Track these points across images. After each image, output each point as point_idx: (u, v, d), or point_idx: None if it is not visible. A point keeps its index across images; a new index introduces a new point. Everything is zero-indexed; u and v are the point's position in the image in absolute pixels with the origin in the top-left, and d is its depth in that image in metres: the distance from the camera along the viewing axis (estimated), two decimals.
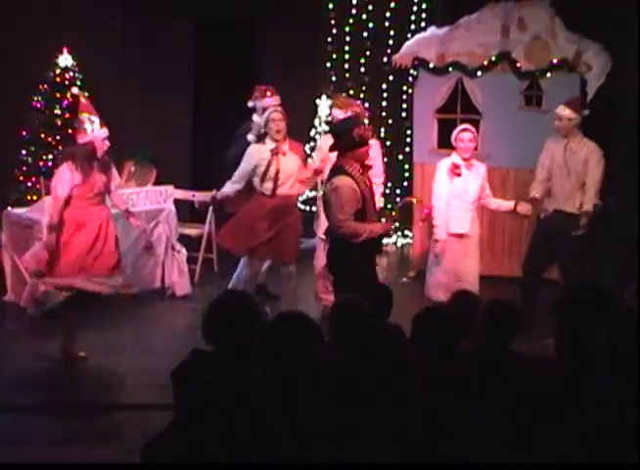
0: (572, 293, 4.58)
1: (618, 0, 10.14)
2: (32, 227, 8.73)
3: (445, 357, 4.51)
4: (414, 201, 8.76)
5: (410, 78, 11.02)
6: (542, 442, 4.01)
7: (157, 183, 10.24)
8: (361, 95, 12.03)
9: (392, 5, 11.96)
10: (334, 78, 12.07)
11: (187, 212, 10.81)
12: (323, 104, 11.67)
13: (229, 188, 8.30)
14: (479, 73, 10.34)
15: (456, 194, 8.13)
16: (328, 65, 12.09)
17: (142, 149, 10.54)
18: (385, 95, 12.15)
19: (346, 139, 6.72)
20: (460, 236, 8.12)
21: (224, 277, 9.08)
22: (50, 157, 10.47)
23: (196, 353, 4.36)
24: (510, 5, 10.39)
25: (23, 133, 10.58)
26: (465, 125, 8.43)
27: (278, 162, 8.16)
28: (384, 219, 7.53)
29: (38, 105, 10.53)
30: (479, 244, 8.29)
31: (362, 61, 12.09)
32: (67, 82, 10.53)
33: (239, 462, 4.02)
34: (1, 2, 10.97)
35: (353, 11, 11.98)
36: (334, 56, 12.10)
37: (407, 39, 11.04)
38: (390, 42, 11.85)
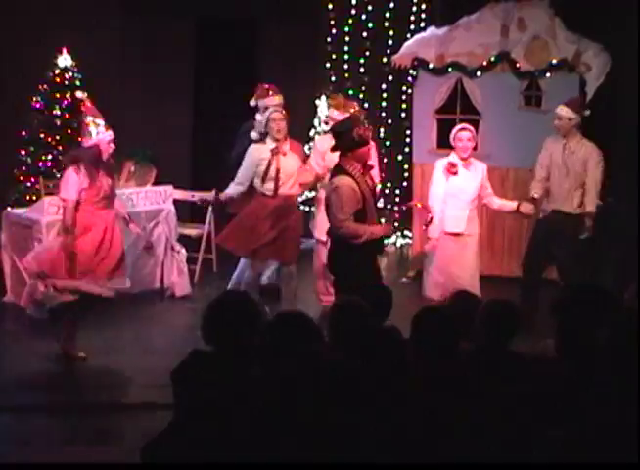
0: (572, 293, 4.58)
1: (618, 0, 10.14)
2: (32, 227, 8.72)
3: (445, 357, 4.51)
4: (418, 205, 8.71)
5: (410, 79, 11.02)
6: (542, 442, 4.01)
7: (156, 183, 10.25)
8: (361, 95, 12.03)
9: (392, 5, 11.96)
10: (333, 78, 12.08)
11: (187, 213, 10.82)
12: (323, 104, 11.67)
13: (233, 190, 8.28)
14: (478, 74, 10.34)
15: (453, 193, 8.12)
16: (327, 65, 12.09)
17: (142, 149, 10.53)
18: (384, 95, 12.15)
19: (347, 139, 6.74)
20: (456, 235, 8.10)
21: (224, 277, 9.08)
22: (50, 157, 10.47)
23: (196, 354, 4.36)
24: (510, 5, 10.40)
25: (23, 133, 10.58)
26: (463, 125, 8.43)
27: (278, 161, 8.16)
28: (383, 220, 7.52)
29: (38, 105, 10.53)
30: (478, 244, 8.27)
31: (362, 61, 12.09)
32: (66, 82, 10.54)
33: (239, 462, 4.02)
34: (1, 2, 10.96)
35: (353, 11, 11.99)
36: (333, 56, 12.10)
37: (407, 39, 11.05)
38: (390, 42, 11.85)
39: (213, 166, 11.49)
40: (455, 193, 8.11)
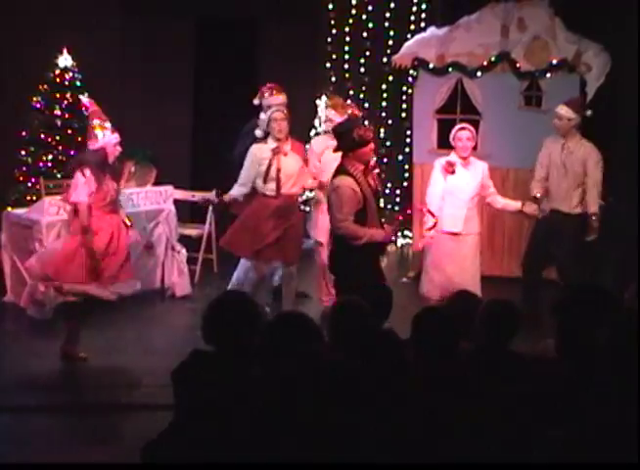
0: (572, 293, 4.58)
1: (618, 0, 10.15)
2: (32, 228, 8.72)
3: (445, 357, 4.51)
4: (423, 209, 8.65)
5: (410, 79, 11.02)
6: (542, 442, 4.01)
7: (156, 183, 10.25)
8: (361, 95, 12.04)
9: (392, 5, 11.96)
10: (334, 79, 12.08)
11: (187, 213, 10.82)
12: (323, 104, 11.67)
13: (236, 191, 8.26)
14: (478, 74, 10.35)
15: (450, 192, 8.10)
16: (328, 65, 12.09)
17: (142, 149, 10.53)
18: (384, 95, 12.15)
19: (347, 140, 6.76)
20: (454, 235, 8.09)
21: (224, 278, 9.08)
22: (50, 157, 10.47)
23: (196, 354, 4.36)
24: (510, 5, 10.40)
25: (23, 133, 10.58)
26: (463, 124, 8.42)
27: (279, 161, 8.15)
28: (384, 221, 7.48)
29: (38, 105, 10.53)
30: (477, 244, 8.25)
31: (362, 61, 12.09)
32: (67, 83, 10.54)
33: (239, 462, 4.02)
34: (1, 2, 10.96)
35: (353, 11, 11.98)
36: (334, 56, 12.10)
37: (407, 39, 11.04)
38: (390, 42, 11.85)
39: (213, 166, 11.49)
40: (453, 192, 8.10)
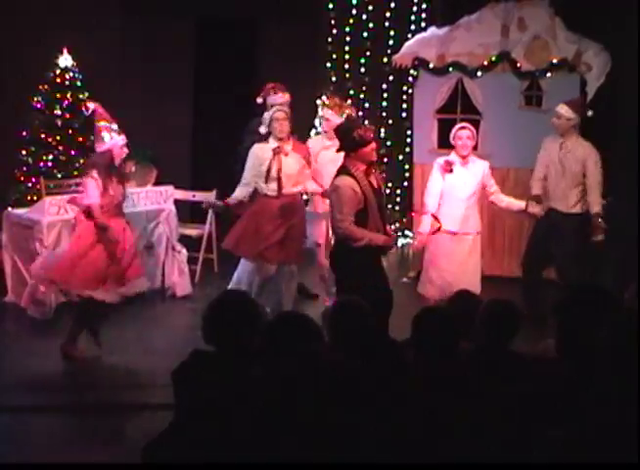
0: (572, 293, 4.58)
1: (618, 0, 10.15)
2: (33, 228, 8.73)
3: (445, 357, 4.51)
4: (428, 214, 8.61)
5: (410, 79, 11.02)
6: (542, 442, 4.01)
7: (157, 183, 10.25)
8: (361, 95, 12.04)
9: (392, 5, 11.96)
10: (334, 79, 12.08)
11: (187, 213, 10.82)
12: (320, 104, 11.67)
13: (240, 192, 8.23)
14: (479, 74, 10.35)
15: (448, 191, 8.10)
16: (328, 65, 12.09)
17: (142, 149, 10.54)
18: (385, 95, 12.15)
19: (348, 140, 6.77)
20: (452, 234, 8.09)
21: (224, 277, 9.07)
22: (50, 157, 10.48)
23: (196, 354, 4.37)
24: (510, 5, 10.40)
25: (24, 133, 10.58)
26: (463, 124, 8.42)
27: (280, 161, 8.14)
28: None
29: (38, 105, 10.53)
30: (477, 243, 8.25)
31: (362, 61, 12.09)
32: (67, 83, 10.54)
33: (239, 462, 4.02)
34: (1, 2, 10.96)
35: (353, 11, 11.99)
36: (334, 56, 12.10)
37: (407, 39, 11.05)
38: (391, 42, 11.86)
39: (213, 166, 11.50)
40: (450, 191, 8.10)
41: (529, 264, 8.50)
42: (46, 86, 10.52)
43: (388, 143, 12.07)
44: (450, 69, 10.43)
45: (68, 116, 10.51)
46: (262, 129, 8.39)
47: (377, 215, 6.79)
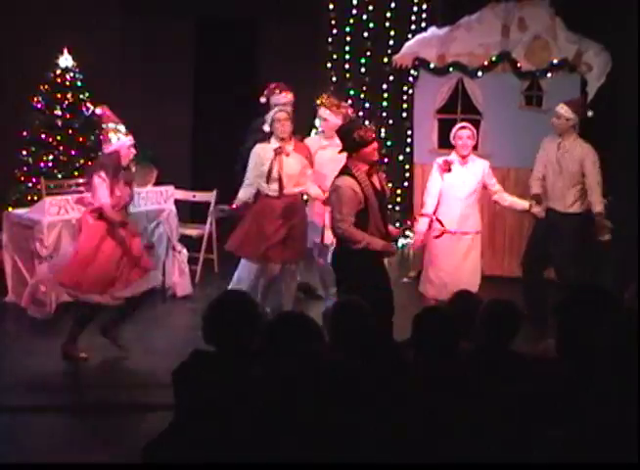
0: (572, 293, 4.58)
1: (619, 0, 10.14)
2: (33, 228, 8.73)
3: (445, 357, 4.51)
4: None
5: (410, 79, 11.02)
6: (542, 442, 4.01)
7: (157, 183, 10.24)
8: (362, 95, 12.04)
9: (393, 5, 11.96)
10: (334, 79, 12.07)
11: (187, 213, 10.82)
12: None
13: (245, 193, 8.21)
14: (479, 74, 10.35)
15: (446, 190, 8.11)
16: (328, 65, 12.09)
17: (142, 149, 10.52)
18: (385, 95, 12.15)
19: (349, 141, 6.79)
20: (451, 234, 8.09)
21: (225, 278, 9.08)
22: (51, 157, 10.47)
23: (196, 354, 4.37)
24: (510, 5, 10.40)
25: (24, 134, 10.58)
26: (463, 123, 8.43)
27: (281, 162, 8.14)
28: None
29: (39, 105, 10.53)
30: (476, 242, 8.25)
31: (363, 61, 12.09)
32: (67, 83, 10.54)
33: (239, 462, 4.02)
34: (1, 2, 10.96)
35: (354, 11, 11.98)
36: (334, 56, 12.10)
37: (408, 39, 11.05)
38: (391, 42, 11.85)
39: (214, 166, 11.50)
40: (449, 190, 8.11)
41: (529, 264, 8.50)
42: (46, 86, 10.52)
43: (389, 143, 12.07)
44: (451, 69, 10.43)
45: (68, 116, 10.51)
46: (266, 127, 8.40)
47: (378, 216, 6.79)
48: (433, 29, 10.79)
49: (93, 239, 7.43)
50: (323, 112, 8.71)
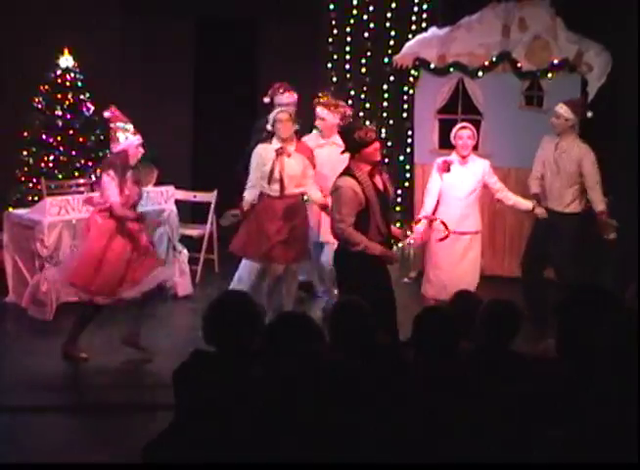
0: (573, 293, 4.58)
1: (619, 0, 10.14)
2: (33, 228, 8.73)
3: (445, 357, 4.51)
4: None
5: (411, 79, 11.02)
6: (542, 442, 4.01)
7: (157, 184, 10.24)
8: (362, 95, 12.03)
9: (393, 5, 11.95)
10: (334, 79, 12.07)
11: (188, 213, 10.82)
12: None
13: (250, 195, 8.20)
14: (479, 74, 10.34)
15: (445, 190, 8.12)
16: (328, 65, 12.08)
17: (149, 148, 10.52)
18: (385, 95, 12.13)
19: (350, 142, 6.80)
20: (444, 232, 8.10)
21: (225, 278, 9.08)
22: (51, 158, 10.47)
23: (196, 354, 4.37)
24: (511, 5, 10.40)
25: (24, 134, 10.58)
26: (463, 123, 8.43)
27: (282, 162, 8.13)
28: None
29: (39, 105, 10.53)
30: (475, 242, 8.25)
31: (363, 61, 12.07)
32: (68, 83, 10.54)
33: (239, 462, 4.02)
34: (1, 2, 10.96)
35: (354, 11, 11.97)
36: (334, 56, 12.09)
37: (408, 40, 11.04)
38: (391, 43, 11.84)
39: (214, 166, 11.49)
40: (449, 190, 8.12)
41: (528, 264, 8.51)
42: (47, 87, 10.52)
43: (389, 143, 12.06)
44: (451, 69, 10.43)
45: (68, 116, 10.51)
46: (269, 127, 8.40)
47: (379, 217, 6.77)
48: (433, 30, 10.79)
49: (102, 238, 7.44)
50: (321, 111, 8.71)
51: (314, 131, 9.02)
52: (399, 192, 12.13)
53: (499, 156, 9.88)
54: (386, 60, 11.78)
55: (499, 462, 4.12)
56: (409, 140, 11.85)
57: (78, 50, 10.53)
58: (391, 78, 11.98)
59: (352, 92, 11.90)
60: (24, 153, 10.54)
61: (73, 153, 10.52)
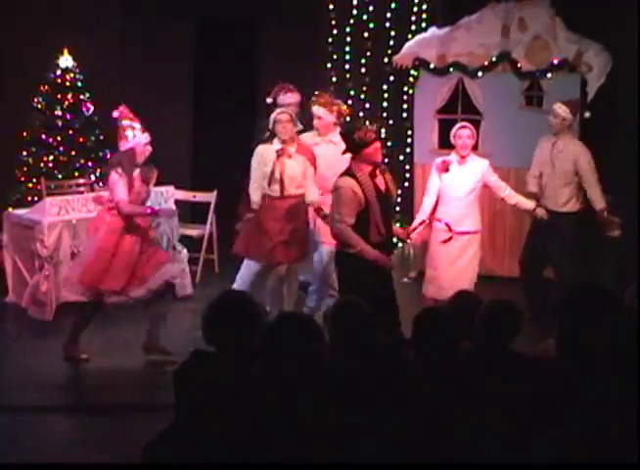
0: (573, 293, 4.58)
1: (619, 0, 10.14)
2: (33, 228, 8.73)
3: (445, 357, 4.51)
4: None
5: (411, 79, 11.02)
6: (542, 442, 4.01)
7: (157, 184, 10.23)
8: (362, 96, 12.02)
9: (393, 5, 11.94)
10: (334, 79, 12.06)
11: (188, 213, 10.81)
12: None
13: (256, 195, 8.19)
14: (479, 74, 10.34)
15: (444, 190, 8.14)
16: (328, 65, 12.07)
17: None
18: (385, 95, 12.12)
19: (350, 142, 6.80)
20: (448, 232, 8.10)
21: (225, 278, 9.08)
22: (51, 158, 10.47)
23: (197, 354, 4.37)
24: (510, 5, 10.40)
25: (24, 134, 10.58)
26: (463, 123, 8.45)
27: (282, 163, 8.12)
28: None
29: (39, 105, 10.53)
30: (474, 242, 8.25)
31: (363, 61, 12.06)
32: (68, 83, 10.54)
33: (239, 462, 4.02)
34: (1, 2, 10.96)
35: (354, 11, 11.96)
36: (334, 56, 12.08)
37: (408, 40, 11.04)
38: (391, 43, 11.82)
39: (214, 166, 11.49)
40: (447, 190, 8.13)
41: (527, 263, 8.53)
42: (46, 87, 10.52)
43: (389, 143, 12.05)
44: (451, 69, 10.43)
45: (68, 116, 10.51)
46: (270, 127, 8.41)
47: (379, 218, 6.76)
48: (433, 30, 10.79)
49: (112, 237, 7.44)
50: (317, 109, 8.69)
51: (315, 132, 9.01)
52: (399, 192, 12.13)
53: (499, 156, 9.87)
54: (385, 60, 11.77)
55: (499, 462, 4.12)
56: (409, 140, 11.85)
57: (78, 50, 10.52)
58: (391, 78, 11.96)
59: (352, 92, 11.88)
60: (24, 153, 10.54)
61: (73, 153, 10.51)
